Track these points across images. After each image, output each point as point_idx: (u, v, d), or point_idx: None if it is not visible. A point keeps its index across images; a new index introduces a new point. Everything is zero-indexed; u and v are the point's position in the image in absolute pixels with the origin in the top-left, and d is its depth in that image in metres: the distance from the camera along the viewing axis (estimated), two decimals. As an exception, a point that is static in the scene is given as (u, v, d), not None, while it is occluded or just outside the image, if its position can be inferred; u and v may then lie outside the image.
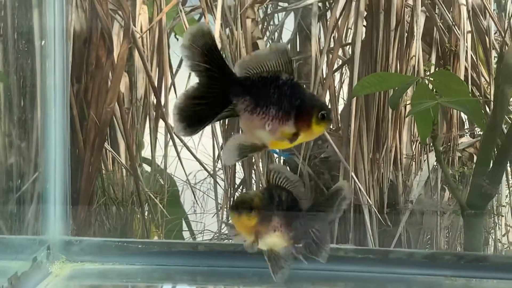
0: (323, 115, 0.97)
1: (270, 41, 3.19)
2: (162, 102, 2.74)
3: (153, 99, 2.74)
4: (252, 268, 1.55)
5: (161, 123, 2.81)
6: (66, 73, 1.68)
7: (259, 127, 0.97)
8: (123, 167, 2.61)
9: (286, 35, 3.17)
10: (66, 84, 1.68)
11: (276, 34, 3.20)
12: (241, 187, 3.00)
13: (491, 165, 2.33)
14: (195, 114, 0.93)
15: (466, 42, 2.77)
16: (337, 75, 3.17)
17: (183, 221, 3.02)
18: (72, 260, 1.59)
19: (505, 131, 2.48)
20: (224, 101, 0.94)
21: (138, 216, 2.67)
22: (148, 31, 2.68)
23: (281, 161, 3.01)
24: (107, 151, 2.61)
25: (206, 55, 0.92)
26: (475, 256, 1.59)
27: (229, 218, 1.06)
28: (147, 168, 2.86)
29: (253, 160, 2.87)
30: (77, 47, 2.36)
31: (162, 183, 2.79)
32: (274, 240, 1.06)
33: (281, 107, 0.97)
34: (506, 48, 2.53)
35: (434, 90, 2.35)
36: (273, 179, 1.03)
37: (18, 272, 1.43)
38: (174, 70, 2.97)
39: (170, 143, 2.80)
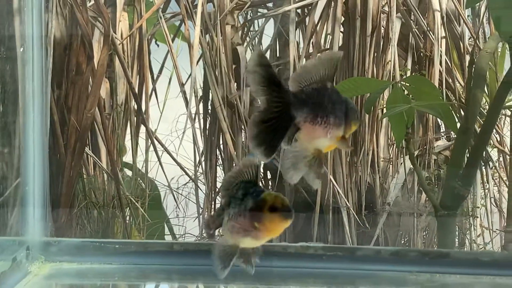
0: (356, 116, 1.05)
1: (250, 47, 3.24)
2: (143, 108, 2.78)
3: (134, 104, 2.78)
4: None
5: (142, 128, 2.86)
6: (45, 79, 1.72)
7: (321, 135, 1.03)
8: (104, 172, 2.65)
9: (266, 41, 3.23)
10: (45, 90, 1.72)
11: (256, 40, 3.25)
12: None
13: (463, 167, 2.39)
14: (268, 137, 0.99)
15: (441, 47, 2.83)
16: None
17: (165, 225, 3.05)
18: (50, 260, 1.63)
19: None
20: (288, 118, 1.00)
21: (120, 220, 2.70)
22: (128, 38, 2.72)
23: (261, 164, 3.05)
24: (89, 156, 2.64)
25: (267, 78, 0.98)
26: (439, 252, 1.65)
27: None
28: (129, 173, 2.90)
29: (234, 164, 2.92)
30: (58, 54, 2.40)
31: (144, 187, 2.83)
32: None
33: (335, 114, 1.03)
34: (478, 53, 2.59)
35: (410, 95, 2.41)
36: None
37: (-3, 271, 1.47)
38: (155, 76, 3.02)
39: (151, 148, 2.84)
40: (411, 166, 2.90)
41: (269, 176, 3.12)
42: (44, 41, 1.95)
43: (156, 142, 2.83)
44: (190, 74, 2.74)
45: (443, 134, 3.08)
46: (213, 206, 3.01)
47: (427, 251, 1.61)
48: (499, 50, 2.82)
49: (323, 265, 1.56)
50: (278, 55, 3.19)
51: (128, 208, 2.68)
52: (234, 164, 2.90)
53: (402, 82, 2.41)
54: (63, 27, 2.43)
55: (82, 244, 1.68)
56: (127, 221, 2.73)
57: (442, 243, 2.52)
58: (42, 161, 1.69)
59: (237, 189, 1.08)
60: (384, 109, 2.81)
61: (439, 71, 2.82)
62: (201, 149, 2.95)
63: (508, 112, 2.85)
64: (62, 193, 2.37)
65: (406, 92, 2.40)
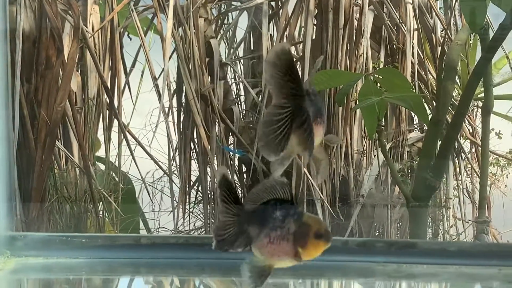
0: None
1: (224, 40, 3.23)
2: (116, 102, 2.77)
3: (106, 98, 2.76)
4: (194, 260, 1.59)
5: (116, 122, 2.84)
6: (8, 72, 1.69)
7: (320, 134, 1.05)
8: (76, 166, 2.63)
9: (240, 34, 3.23)
10: (9, 83, 1.70)
11: (229, 33, 3.25)
12: (196, 185, 3.03)
13: (435, 158, 2.40)
14: (276, 135, 0.99)
15: (413, 40, 2.84)
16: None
17: (140, 220, 3.04)
18: (16, 255, 1.61)
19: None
20: (301, 114, 1.00)
21: (93, 215, 2.69)
22: (99, 31, 2.70)
23: (236, 158, 3.05)
24: (61, 150, 2.62)
25: (288, 73, 0.98)
26: (405, 242, 1.66)
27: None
28: (103, 167, 2.88)
29: (208, 158, 2.91)
30: (27, 47, 2.38)
31: (116, 180, 2.81)
32: None
33: (324, 114, 1.06)
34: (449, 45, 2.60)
35: (382, 88, 2.42)
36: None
37: (-39, 266, 1.46)
38: (128, 70, 3.00)
39: (125, 142, 2.82)
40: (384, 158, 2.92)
41: (244, 169, 3.12)
42: (5, 35, 1.93)
43: (129, 136, 2.81)
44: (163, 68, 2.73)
45: (416, 126, 3.10)
46: (187, 200, 3.01)
47: (393, 242, 1.62)
48: (471, 42, 2.84)
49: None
50: (252, 48, 3.19)
51: (100, 202, 2.67)
52: (208, 159, 2.90)
53: (373, 74, 2.42)
54: (32, 20, 2.41)
55: (49, 238, 1.67)
56: (100, 216, 2.72)
57: (414, 234, 2.53)
58: (6, 155, 1.67)
59: (274, 209, 1.06)
60: (358, 101, 2.82)
61: (412, 63, 2.83)
62: (175, 143, 2.94)
63: (480, 104, 2.86)
64: (33, 187, 2.34)
65: (378, 85, 2.41)
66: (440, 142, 2.41)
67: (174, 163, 2.98)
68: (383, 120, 2.40)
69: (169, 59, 2.80)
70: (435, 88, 2.91)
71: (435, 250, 1.61)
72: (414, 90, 2.63)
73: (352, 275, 1.61)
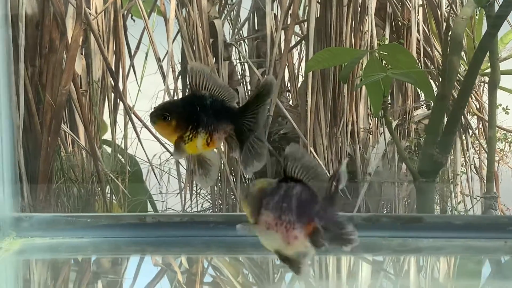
0: None
1: (228, 20, 3.21)
2: (120, 84, 2.76)
3: (111, 80, 2.76)
4: (199, 237, 1.59)
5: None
6: (10, 56, 1.69)
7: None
8: (82, 149, 2.63)
9: (244, 14, 3.21)
10: (12, 66, 1.70)
11: (233, 13, 3.23)
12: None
13: (441, 134, 2.39)
14: None
15: (418, 16, 2.82)
16: (295, 52, 3.20)
17: (148, 202, 3.05)
18: (22, 236, 1.62)
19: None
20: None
21: (100, 196, 2.69)
22: (103, 13, 2.69)
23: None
24: (67, 133, 2.63)
25: None
26: (411, 217, 1.65)
27: None
28: (109, 150, 2.88)
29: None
30: (30, 31, 2.37)
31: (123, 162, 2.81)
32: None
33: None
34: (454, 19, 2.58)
35: (386, 64, 2.40)
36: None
37: (-33, 248, 1.46)
38: (132, 52, 2.99)
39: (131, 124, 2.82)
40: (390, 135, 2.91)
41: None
42: (6, 20, 1.92)
43: (134, 117, 2.81)
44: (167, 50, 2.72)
45: (422, 103, 3.08)
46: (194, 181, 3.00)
47: (399, 216, 1.61)
48: (477, 16, 2.81)
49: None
50: (256, 28, 3.17)
51: (107, 185, 2.67)
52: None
53: (378, 51, 2.40)
54: (34, 3, 2.40)
55: (54, 219, 1.67)
56: (108, 198, 2.72)
57: (422, 211, 2.52)
58: (10, 138, 1.67)
59: None
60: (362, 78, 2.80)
61: (417, 39, 2.81)
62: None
63: (487, 79, 2.84)
64: (40, 170, 2.35)
65: (383, 62, 2.39)
66: (446, 117, 2.39)
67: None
68: (388, 97, 2.37)
69: (173, 40, 2.79)
70: (441, 64, 2.89)
71: (441, 224, 1.61)
72: (419, 66, 2.61)
73: (358, 250, 1.60)
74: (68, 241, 1.61)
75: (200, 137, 1.05)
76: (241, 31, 3.23)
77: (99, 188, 2.59)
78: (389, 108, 2.43)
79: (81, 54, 2.70)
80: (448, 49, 2.42)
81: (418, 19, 2.81)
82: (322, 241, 0.95)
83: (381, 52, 2.40)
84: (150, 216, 1.64)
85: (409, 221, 1.59)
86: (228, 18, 3.20)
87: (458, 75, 2.63)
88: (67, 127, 2.64)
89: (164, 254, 1.63)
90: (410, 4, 2.82)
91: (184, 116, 1.05)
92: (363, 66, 2.65)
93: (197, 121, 1.04)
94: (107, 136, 2.87)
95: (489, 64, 2.67)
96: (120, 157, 2.85)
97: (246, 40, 3.21)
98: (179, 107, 1.05)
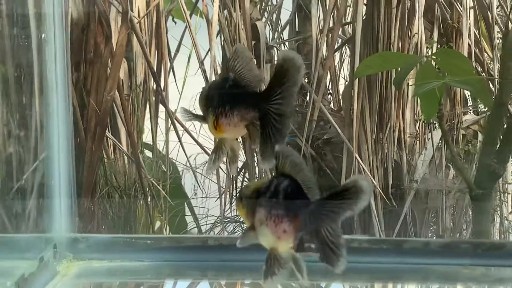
0: None
1: (269, 22, 3.14)
2: (162, 87, 2.70)
3: (153, 84, 2.70)
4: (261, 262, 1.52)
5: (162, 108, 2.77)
6: (66, 60, 1.62)
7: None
8: (124, 155, 2.58)
9: (285, 16, 3.14)
10: (67, 72, 1.62)
11: (274, 14, 3.16)
12: (243, 171, 2.96)
13: (498, 144, 2.30)
14: None
15: (469, 18, 2.73)
16: (337, 54, 3.13)
17: (186, 206, 2.99)
18: (79, 258, 1.55)
19: None
20: None
21: (141, 203, 2.64)
22: (146, 16, 2.63)
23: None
24: (108, 139, 2.57)
25: None
26: (492, 244, 1.56)
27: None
28: (148, 154, 2.83)
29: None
30: (75, 35, 2.31)
31: (164, 169, 2.75)
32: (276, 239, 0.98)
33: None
34: (511, 24, 2.49)
35: (439, 70, 2.31)
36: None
37: (25, 273, 1.40)
38: (172, 54, 2.93)
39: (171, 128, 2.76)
40: (439, 141, 2.83)
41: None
42: (62, 19, 1.85)
43: (176, 122, 2.75)
44: (209, 51, 2.65)
45: (471, 108, 2.99)
46: (234, 186, 2.95)
47: (478, 243, 1.51)
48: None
49: (366, 259, 1.48)
50: (297, 29, 3.10)
51: (149, 191, 2.62)
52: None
53: (433, 57, 2.31)
54: (80, 7, 2.34)
55: (112, 240, 1.61)
56: (149, 205, 2.67)
57: (477, 223, 2.44)
58: (66, 148, 1.59)
59: None
60: (410, 83, 2.72)
61: (468, 44, 2.72)
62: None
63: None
64: (84, 180, 2.29)
65: (436, 66, 2.30)
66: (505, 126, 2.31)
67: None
68: (441, 105, 2.29)
69: (218, 43, 2.73)
70: (491, 69, 2.81)
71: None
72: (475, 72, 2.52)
73: (433, 279, 1.52)
74: (127, 264, 1.54)
75: (210, 119, 1.00)
76: (281, 34, 3.17)
77: (141, 195, 2.54)
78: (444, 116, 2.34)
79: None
80: (506, 55, 2.32)
81: (469, 22, 2.72)
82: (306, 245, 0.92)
83: (433, 57, 2.32)
84: (213, 239, 1.57)
85: (490, 248, 1.50)
86: (269, 20, 3.14)
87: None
88: (109, 132, 2.58)
89: (227, 279, 1.56)
90: (461, 8, 2.72)
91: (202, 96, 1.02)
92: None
93: (211, 103, 0.99)
94: (145, 139, 2.82)
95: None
96: (160, 162, 2.80)
97: (287, 42, 3.15)
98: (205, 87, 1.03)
